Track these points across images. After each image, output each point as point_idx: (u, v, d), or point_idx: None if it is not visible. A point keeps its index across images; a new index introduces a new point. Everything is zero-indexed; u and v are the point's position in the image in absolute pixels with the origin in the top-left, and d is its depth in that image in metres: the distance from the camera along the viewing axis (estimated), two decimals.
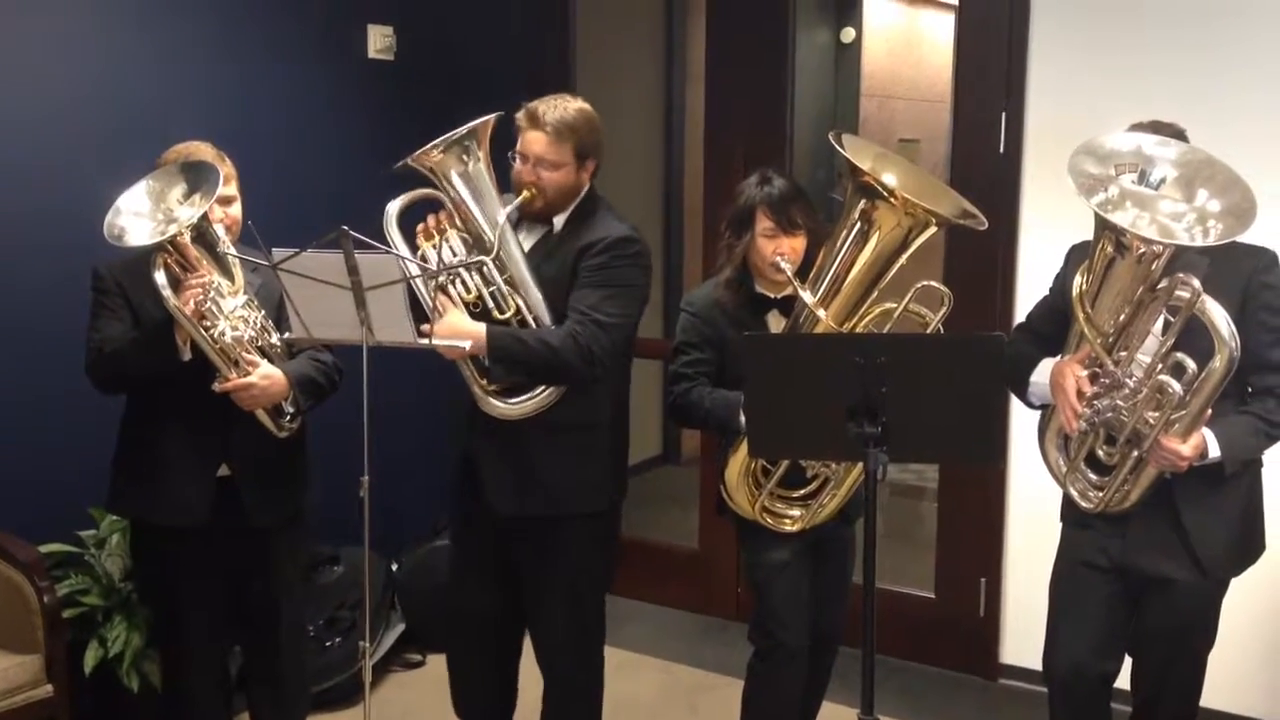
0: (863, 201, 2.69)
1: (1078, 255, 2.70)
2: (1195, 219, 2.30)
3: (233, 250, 2.76)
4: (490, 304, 2.77)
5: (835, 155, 5.76)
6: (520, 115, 2.83)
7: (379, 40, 4.27)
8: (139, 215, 2.68)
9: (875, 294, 2.78)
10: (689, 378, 2.94)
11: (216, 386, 2.71)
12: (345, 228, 2.55)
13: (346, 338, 2.71)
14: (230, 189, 2.86)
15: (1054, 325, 2.74)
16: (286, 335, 2.81)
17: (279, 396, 2.81)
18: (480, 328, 2.72)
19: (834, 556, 3.07)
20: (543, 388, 2.79)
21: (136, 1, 3.59)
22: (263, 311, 2.83)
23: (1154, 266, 2.33)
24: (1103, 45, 3.52)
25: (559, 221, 2.88)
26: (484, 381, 2.77)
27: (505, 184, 2.88)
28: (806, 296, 2.75)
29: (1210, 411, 2.41)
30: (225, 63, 3.82)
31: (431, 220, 2.82)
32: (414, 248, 2.80)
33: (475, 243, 2.80)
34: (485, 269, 2.77)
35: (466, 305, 2.76)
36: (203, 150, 2.82)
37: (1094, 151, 2.38)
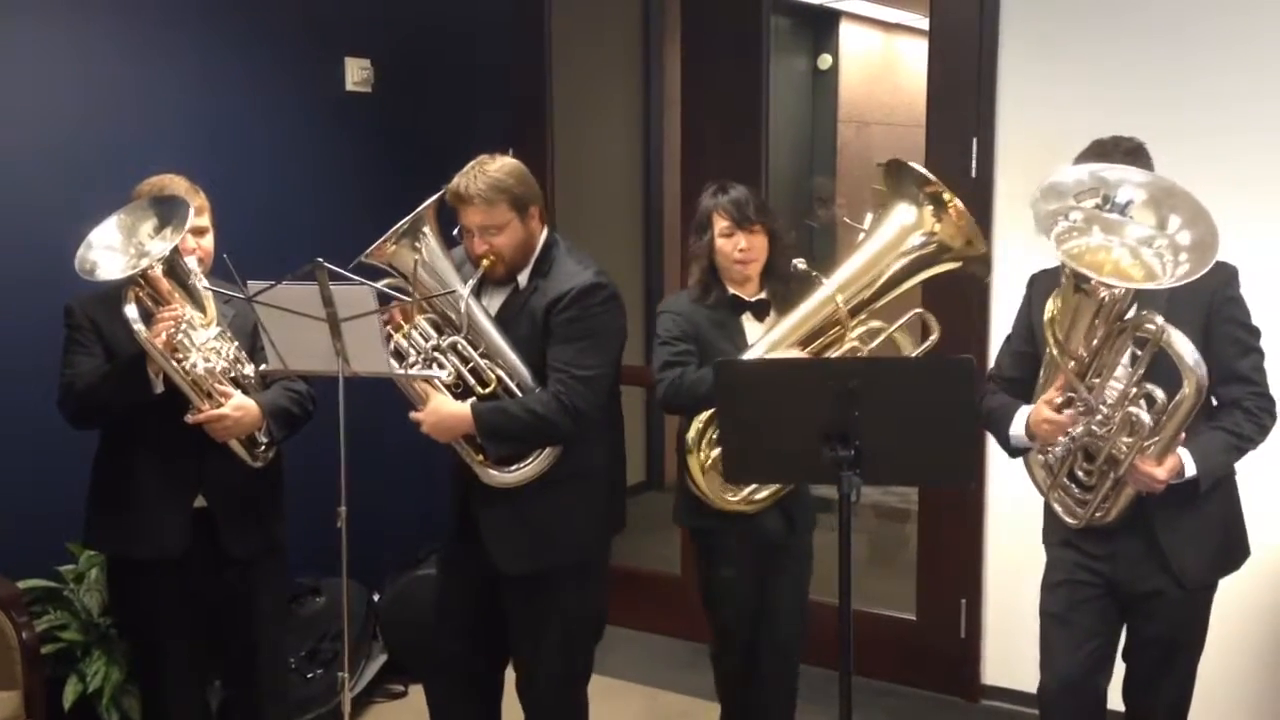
0: (929, 206, 2.87)
1: (1041, 285, 2.74)
2: (1166, 245, 2.32)
3: (205, 282, 2.77)
4: (471, 380, 2.78)
5: (807, 183, 5.82)
6: (449, 197, 2.82)
7: (357, 72, 4.30)
8: (110, 249, 2.69)
9: (882, 301, 2.93)
10: (681, 364, 3.00)
11: (189, 418, 2.72)
12: (320, 259, 2.57)
13: (322, 369, 2.72)
14: (203, 220, 2.87)
15: (1022, 368, 2.76)
16: (263, 367, 2.81)
17: (252, 427, 2.81)
18: (465, 409, 2.74)
19: (788, 568, 3.15)
20: (539, 452, 2.80)
21: (114, 35, 3.62)
22: (235, 343, 2.84)
23: (1117, 307, 2.35)
24: (1071, 71, 3.57)
25: (523, 278, 2.88)
26: (479, 457, 2.79)
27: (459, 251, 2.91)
28: (827, 280, 2.91)
29: (1184, 434, 2.44)
30: (203, 96, 3.84)
31: (397, 312, 2.81)
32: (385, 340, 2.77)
33: (444, 322, 2.81)
34: (460, 347, 2.78)
35: (448, 387, 2.77)
36: (176, 183, 2.83)
37: (1053, 190, 2.40)
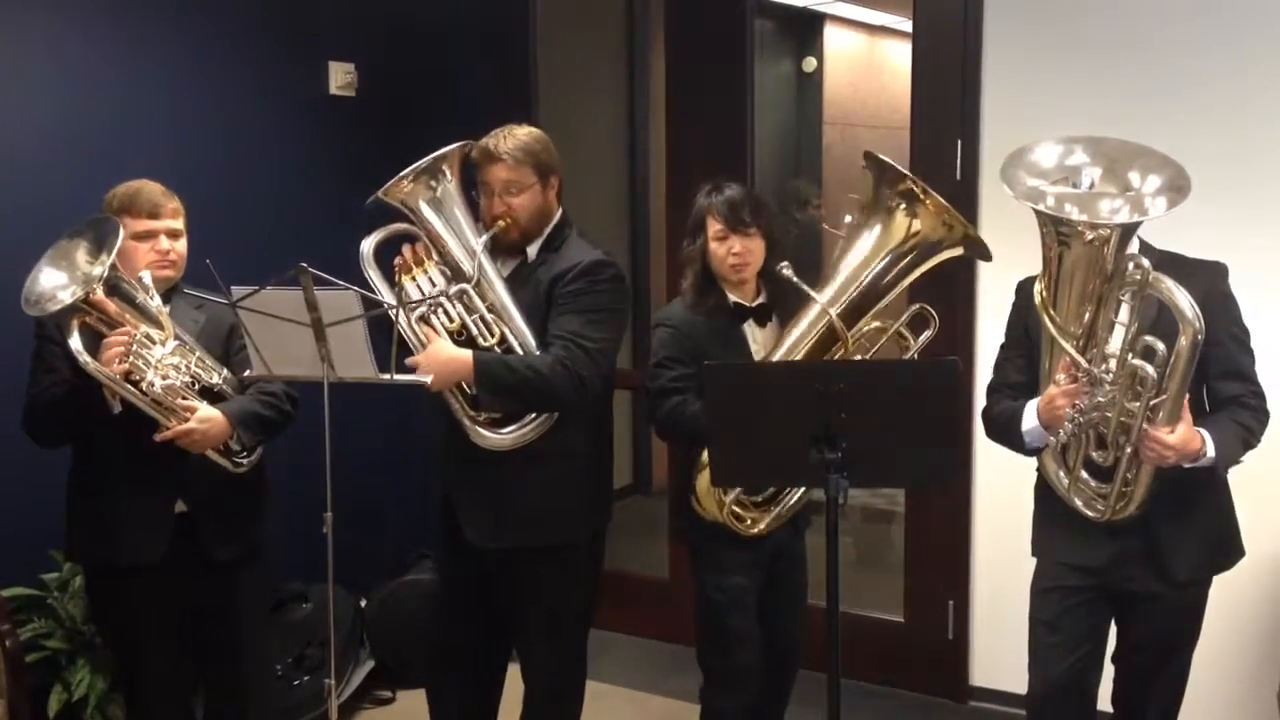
0: (902, 206, 2.82)
1: (1028, 289, 2.72)
2: (1132, 206, 2.35)
3: (157, 300, 2.74)
4: (474, 331, 2.78)
5: (792, 185, 5.81)
6: (475, 154, 2.86)
7: (340, 77, 4.29)
8: (51, 282, 2.65)
9: (882, 304, 2.89)
10: (679, 391, 2.90)
11: (157, 437, 2.70)
12: (304, 264, 2.55)
13: (308, 374, 2.70)
14: (178, 224, 2.86)
15: (1022, 372, 2.75)
16: (247, 373, 2.80)
17: (222, 437, 2.78)
18: (466, 354, 2.72)
19: (787, 574, 3.09)
20: (531, 416, 2.79)
21: (93, 37, 3.60)
22: (196, 354, 2.80)
23: (1104, 253, 2.35)
24: (1055, 73, 3.58)
25: (533, 250, 2.90)
26: (473, 412, 2.77)
27: (477, 214, 2.91)
28: (818, 297, 2.83)
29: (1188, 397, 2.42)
30: (186, 101, 3.82)
31: (408, 253, 2.83)
32: (393, 283, 2.80)
33: (453, 273, 2.82)
34: (466, 297, 2.78)
35: (450, 334, 2.76)
36: (149, 188, 2.82)
37: (1022, 162, 2.43)
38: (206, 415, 2.74)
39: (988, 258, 2.91)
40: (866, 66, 6.92)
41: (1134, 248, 2.47)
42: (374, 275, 2.81)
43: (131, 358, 2.63)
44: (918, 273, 2.91)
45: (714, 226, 2.91)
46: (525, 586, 2.94)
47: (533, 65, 4.66)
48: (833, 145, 6.60)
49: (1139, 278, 2.34)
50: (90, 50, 3.59)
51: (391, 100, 4.43)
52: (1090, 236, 2.33)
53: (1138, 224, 2.39)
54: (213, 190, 3.81)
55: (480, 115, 4.60)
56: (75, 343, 2.59)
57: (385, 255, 2.89)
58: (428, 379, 2.69)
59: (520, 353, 2.77)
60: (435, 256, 2.83)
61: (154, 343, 2.69)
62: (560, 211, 2.94)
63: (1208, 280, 2.54)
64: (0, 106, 3.39)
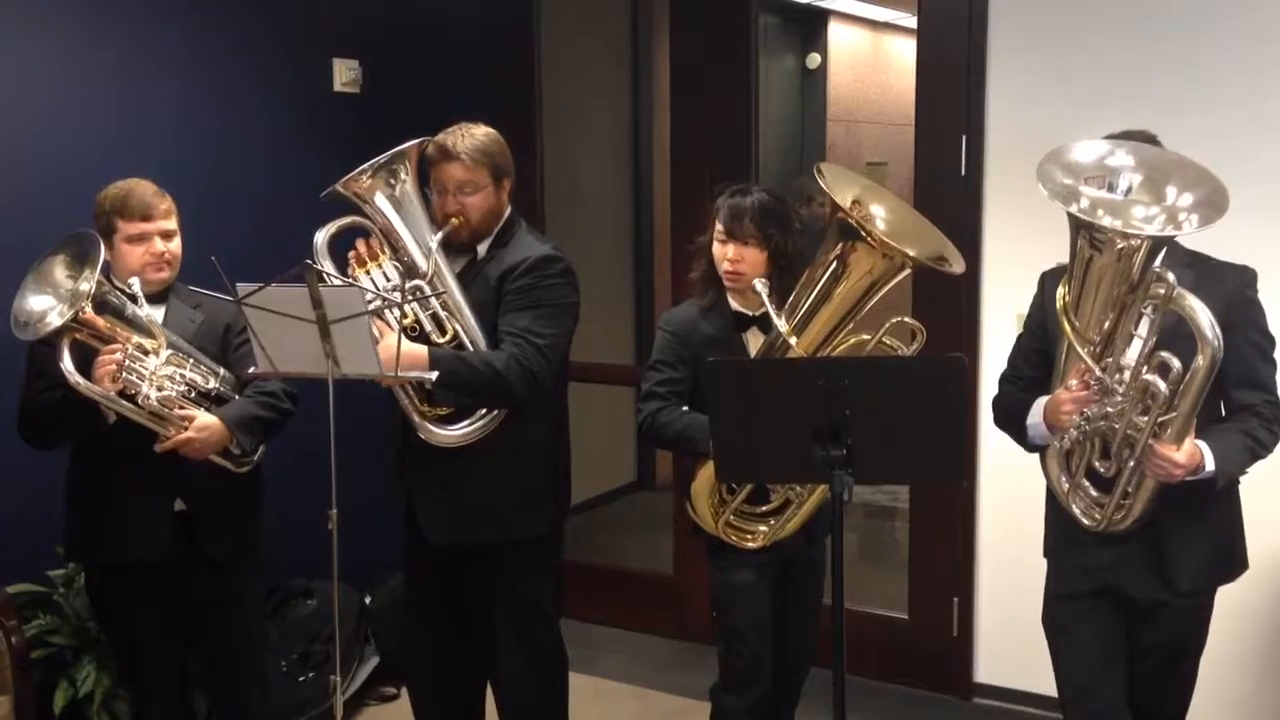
0: (841, 239, 2.70)
1: (1052, 281, 2.68)
2: (1166, 218, 2.31)
3: (146, 309, 2.74)
4: (428, 327, 2.79)
5: (796, 182, 5.80)
6: (431, 150, 2.87)
7: (345, 73, 4.29)
8: (38, 304, 2.63)
9: (850, 325, 2.79)
10: (661, 397, 2.92)
11: (157, 447, 2.69)
12: (309, 261, 2.57)
13: (312, 371, 2.70)
14: (171, 223, 2.85)
15: (1037, 366, 2.72)
16: (251, 370, 2.80)
17: (221, 444, 2.77)
18: (423, 350, 2.74)
19: (803, 577, 3.07)
20: (481, 413, 2.81)
21: (95, 33, 3.59)
22: (191, 360, 2.80)
23: (1134, 262, 2.32)
24: (1061, 68, 3.57)
25: (483, 248, 2.91)
26: (424, 408, 2.79)
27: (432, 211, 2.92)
28: (780, 324, 2.76)
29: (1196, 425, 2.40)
30: (189, 97, 3.82)
31: (362, 247, 2.84)
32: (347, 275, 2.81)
33: (407, 268, 2.83)
34: (420, 293, 2.79)
35: (404, 330, 2.76)
36: (141, 186, 2.82)
37: (1060, 160, 2.40)
38: (205, 423, 2.73)
39: (959, 269, 2.80)
40: (871, 63, 6.92)
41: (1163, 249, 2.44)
42: (328, 266, 2.80)
43: (125, 373, 2.62)
44: (875, 299, 2.79)
45: (716, 227, 2.90)
46: (486, 583, 2.95)
47: (537, 62, 4.66)
48: (837, 142, 6.60)
49: (1162, 292, 2.31)
50: (92, 49, 3.58)
51: (396, 97, 4.43)
52: (1121, 245, 2.30)
53: (1169, 237, 2.37)
54: (217, 187, 3.81)
55: (484, 112, 4.61)
56: (67, 364, 2.58)
57: (339, 248, 2.89)
58: (433, 375, 2.69)
59: (472, 350, 2.79)
60: (389, 251, 2.84)
61: (147, 354, 2.68)
62: (509, 209, 2.95)
63: (1233, 285, 2.51)
64: (2, 102, 3.39)
